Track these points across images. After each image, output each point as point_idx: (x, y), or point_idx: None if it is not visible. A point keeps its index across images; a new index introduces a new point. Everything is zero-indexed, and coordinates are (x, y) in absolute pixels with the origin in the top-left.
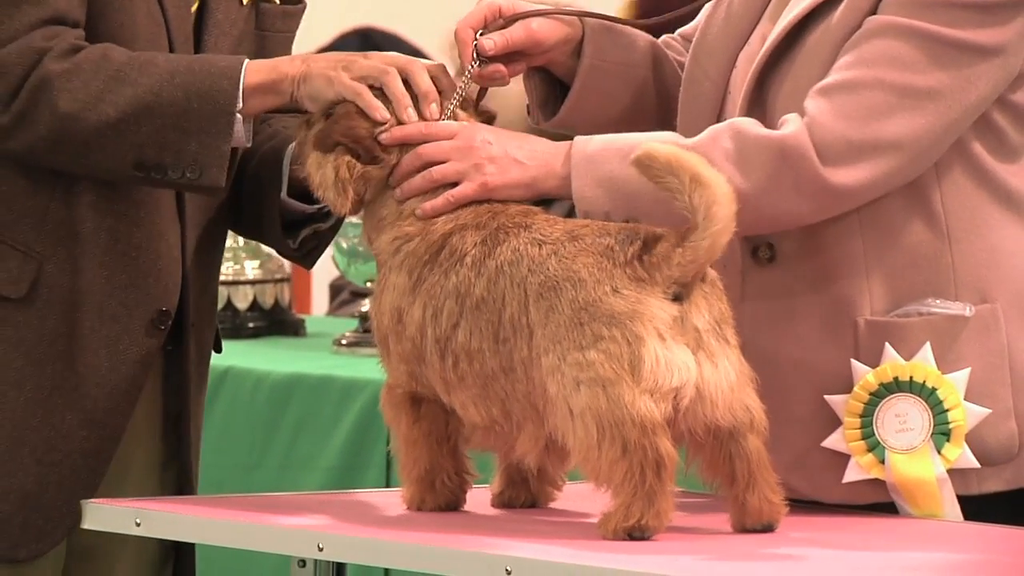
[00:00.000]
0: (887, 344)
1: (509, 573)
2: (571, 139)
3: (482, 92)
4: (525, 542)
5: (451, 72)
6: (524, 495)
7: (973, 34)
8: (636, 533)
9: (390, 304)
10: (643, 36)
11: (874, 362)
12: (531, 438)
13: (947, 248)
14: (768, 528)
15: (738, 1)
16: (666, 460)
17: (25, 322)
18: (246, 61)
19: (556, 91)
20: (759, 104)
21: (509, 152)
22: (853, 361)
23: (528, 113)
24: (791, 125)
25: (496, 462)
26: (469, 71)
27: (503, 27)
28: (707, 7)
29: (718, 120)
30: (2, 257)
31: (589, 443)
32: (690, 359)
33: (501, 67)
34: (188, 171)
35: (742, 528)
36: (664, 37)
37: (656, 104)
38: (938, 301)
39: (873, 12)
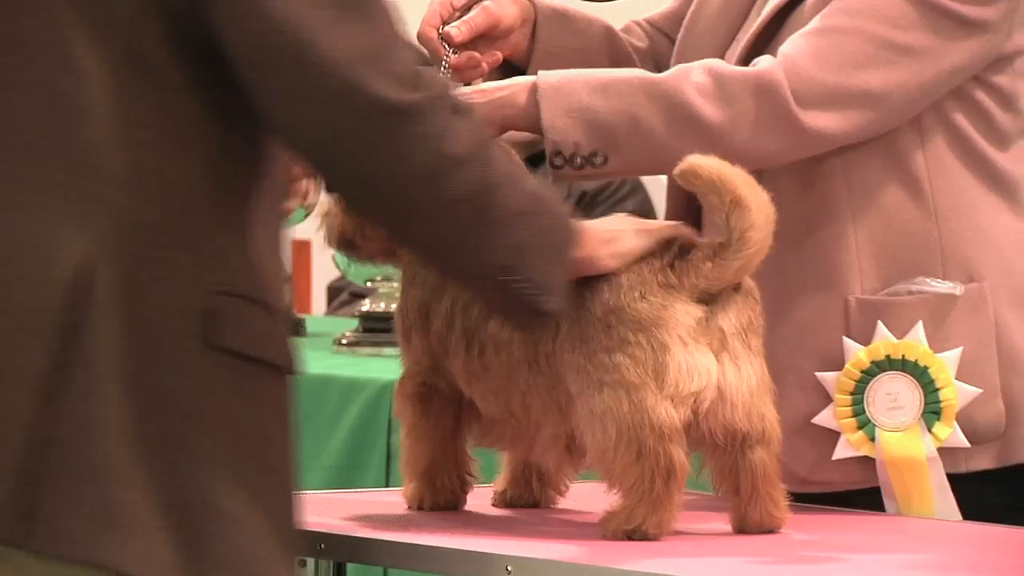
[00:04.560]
0: (879, 322)
1: (509, 573)
2: None
3: None
4: (526, 542)
5: None
6: (527, 496)
7: (958, 5)
8: (635, 537)
9: (418, 299)
10: (599, 21)
11: (866, 340)
12: (551, 436)
13: (935, 227)
14: (768, 530)
15: None
16: (677, 469)
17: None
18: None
19: None
20: None
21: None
22: (845, 339)
23: None
24: (764, 63)
25: (503, 461)
26: (446, 61)
27: (460, 18)
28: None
29: None
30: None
31: (606, 444)
32: (712, 363)
33: (474, 53)
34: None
35: (742, 532)
36: (628, 22)
37: None
38: (929, 280)
39: None
